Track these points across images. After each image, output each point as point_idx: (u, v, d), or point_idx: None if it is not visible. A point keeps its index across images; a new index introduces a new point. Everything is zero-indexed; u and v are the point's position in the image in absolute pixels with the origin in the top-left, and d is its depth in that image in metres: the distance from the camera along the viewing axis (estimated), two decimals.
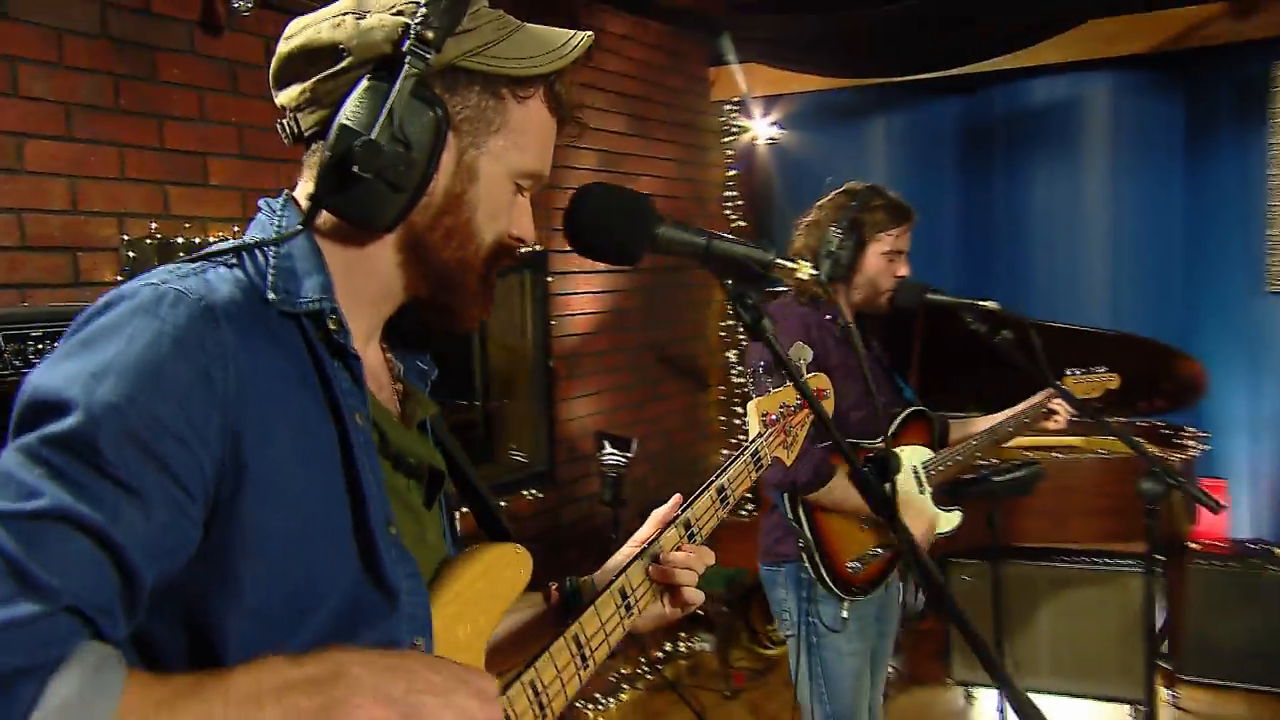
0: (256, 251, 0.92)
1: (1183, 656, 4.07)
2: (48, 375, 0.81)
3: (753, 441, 1.49)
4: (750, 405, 1.55)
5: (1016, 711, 0.89)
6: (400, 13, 0.92)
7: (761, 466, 1.49)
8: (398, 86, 0.89)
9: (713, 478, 1.38)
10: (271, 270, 0.90)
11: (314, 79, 0.94)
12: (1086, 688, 3.93)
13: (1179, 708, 3.97)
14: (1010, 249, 4.87)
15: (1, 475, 0.77)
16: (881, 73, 4.62)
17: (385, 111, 0.89)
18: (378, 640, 0.92)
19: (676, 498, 1.35)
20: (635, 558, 1.23)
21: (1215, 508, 2.42)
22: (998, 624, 3.15)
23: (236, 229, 2.93)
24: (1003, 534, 3.24)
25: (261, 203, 1.00)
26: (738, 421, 5.01)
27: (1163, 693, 3.93)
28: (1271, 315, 4.43)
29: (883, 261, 2.50)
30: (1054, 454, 3.82)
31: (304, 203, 0.96)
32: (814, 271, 1.06)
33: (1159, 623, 3.89)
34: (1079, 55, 4.46)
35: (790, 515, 2.45)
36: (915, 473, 2.59)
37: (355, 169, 0.88)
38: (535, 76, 0.98)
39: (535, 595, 1.29)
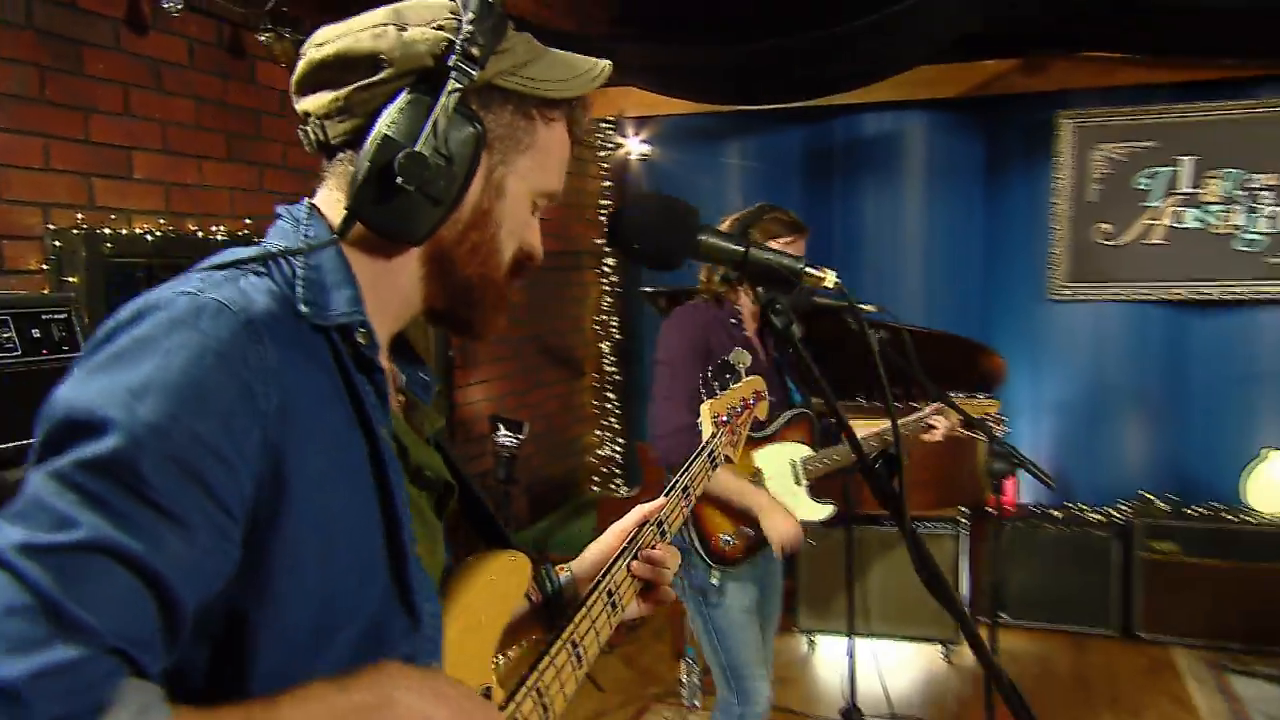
0: (283, 260, 0.83)
1: (981, 601, 4.36)
2: (79, 391, 0.70)
3: (708, 443, 1.47)
4: (703, 408, 1.53)
5: (976, 651, 0.94)
6: (441, 27, 0.85)
7: (716, 465, 1.47)
8: (442, 100, 0.82)
9: (677, 478, 1.35)
10: (300, 281, 0.82)
11: (349, 87, 0.85)
12: (907, 630, 4.17)
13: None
14: (845, 259, 4.99)
15: (32, 502, 0.66)
16: (740, 101, 4.71)
17: (430, 125, 0.82)
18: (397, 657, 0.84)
19: (661, 501, 1.28)
20: (617, 557, 1.17)
21: (1051, 484, 2.59)
22: (850, 580, 3.37)
23: (161, 221, 2.82)
24: (855, 503, 3.45)
25: (281, 210, 0.91)
26: (609, 406, 5.11)
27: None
28: (1051, 318, 4.75)
29: None
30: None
31: (330, 212, 0.88)
32: (838, 280, 1.02)
33: (968, 574, 4.25)
34: (903, 96, 4.64)
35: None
36: (793, 467, 2.62)
37: (399, 181, 0.81)
38: (563, 100, 0.93)
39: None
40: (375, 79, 0.84)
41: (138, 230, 2.73)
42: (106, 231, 2.65)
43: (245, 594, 0.74)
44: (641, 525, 1.23)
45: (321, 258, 0.84)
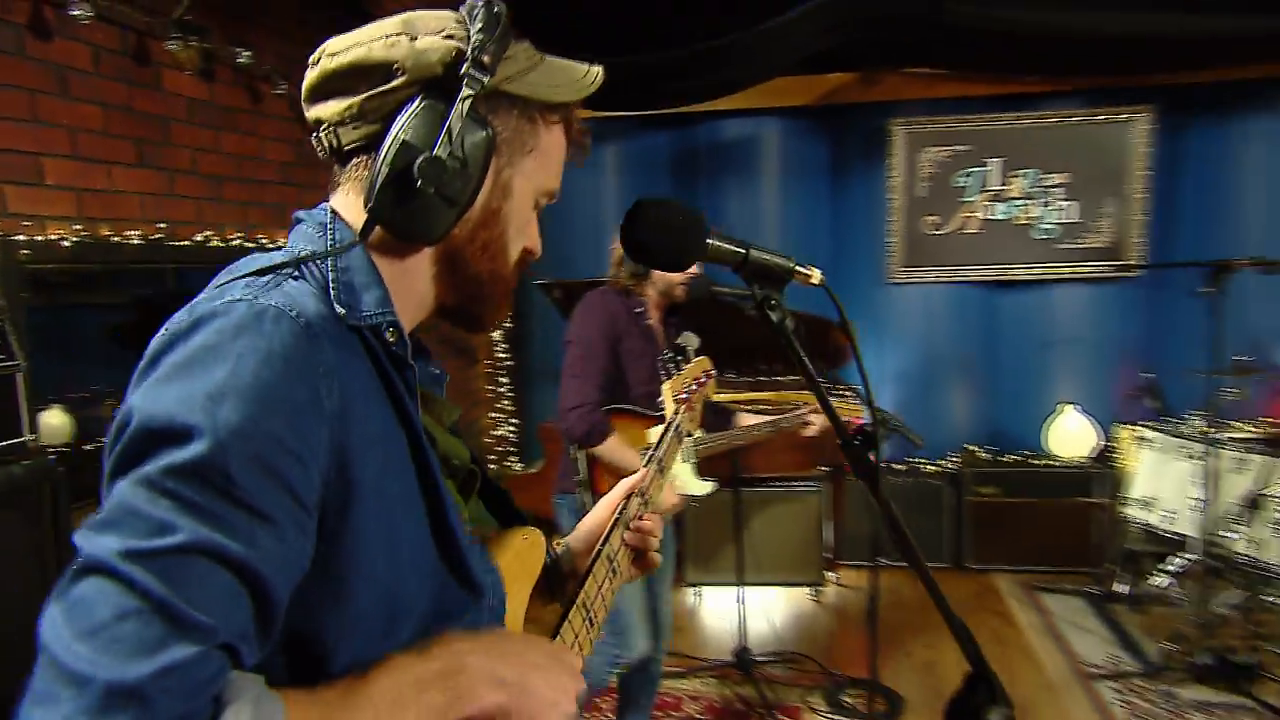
0: (314, 264, 0.81)
1: (840, 547, 4.68)
2: (155, 400, 0.67)
3: (674, 419, 1.51)
4: (665, 387, 1.59)
5: (931, 593, 0.98)
6: (451, 37, 0.83)
7: (681, 439, 1.50)
8: (457, 106, 0.81)
9: (652, 452, 1.38)
10: (334, 284, 0.80)
11: (363, 95, 0.83)
12: (781, 576, 4.40)
13: (839, 584, 4.60)
14: None
15: (125, 510, 0.64)
16: (615, 108, 4.78)
17: (445, 130, 0.80)
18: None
19: (642, 473, 1.31)
20: (612, 528, 1.17)
21: (920, 443, 2.80)
22: (737, 534, 3.55)
23: (77, 227, 2.65)
24: (740, 469, 3.62)
25: (302, 215, 0.89)
26: (502, 389, 5.10)
27: (829, 575, 4.57)
28: (890, 299, 5.05)
29: None
30: (768, 406, 4.11)
31: (349, 215, 0.86)
32: (822, 276, 1.03)
33: (828, 525, 4.54)
34: (760, 104, 4.81)
35: (573, 458, 2.57)
36: (684, 449, 2.66)
37: (419, 184, 0.80)
38: (563, 104, 0.91)
39: None
40: (389, 86, 0.83)
41: (52, 236, 2.57)
42: (20, 238, 2.48)
43: (320, 591, 0.73)
44: (628, 498, 1.24)
45: (350, 260, 0.83)
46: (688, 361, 1.68)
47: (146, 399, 0.68)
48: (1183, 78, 4.59)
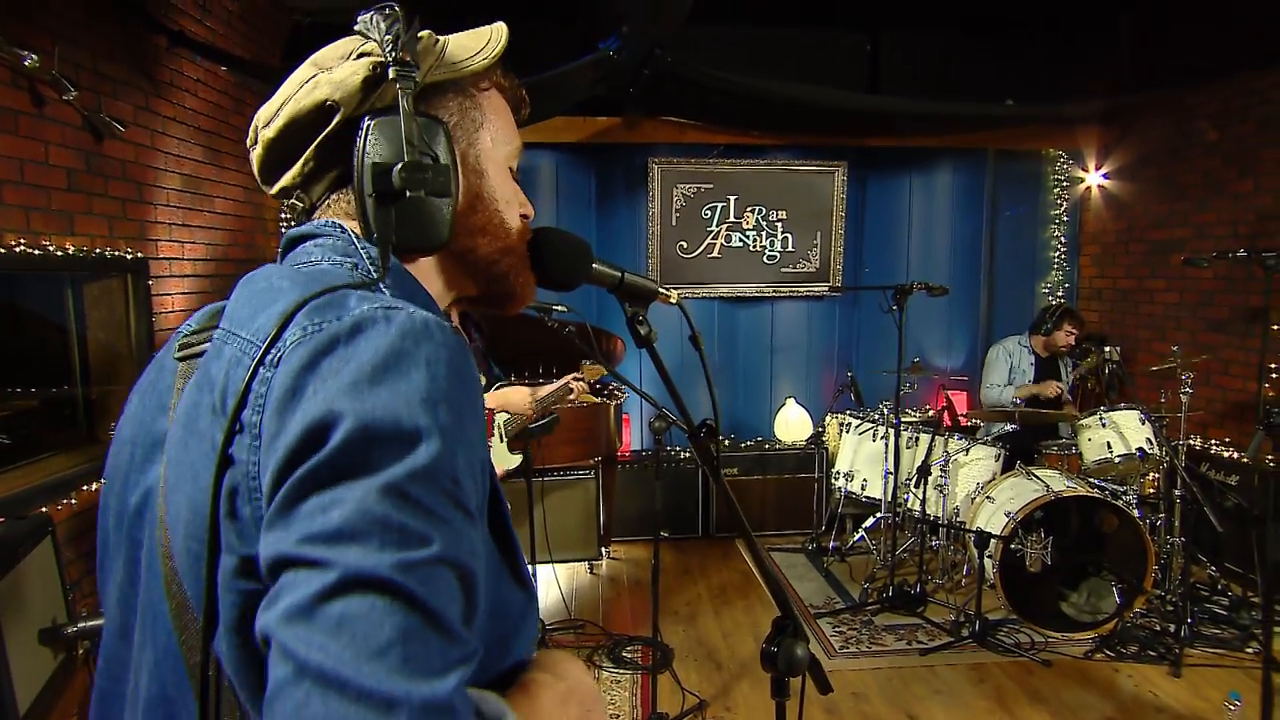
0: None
1: (612, 526, 4.87)
2: (367, 404, 0.58)
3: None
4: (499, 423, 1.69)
5: (757, 565, 1.19)
6: (364, 54, 0.77)
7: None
8: (404, 108, 0.74)
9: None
10: (395, 298, 0.71)
11: (312, 146, 0.77)
12: (565, 555, 4.56)
13: (613, 558, 4.81)
14: None
15: (373, 519, 0.55)
16: None
17: (404, 135, 0.74)
18: (531, 636, 0.77)
19: None
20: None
21: (690, 431, 3.04)
22: (531, 519, 3.64)
23: None
24: (534, 460, 3.71)
25: (306, 231, 0.79)
26: None
27: (603, 550, 4.79)
28: (649, 312, 5.49)
29: None
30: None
31: (354, 233, 0.78)
32: (678, 297, 1.08)
33: (602, 507, 4.77)
34: (538, 139, 4.96)
35: None
36: (498, 427, 2.82)
37: (408, 194, 0.74)
38: (486, 68, 0.84)
39: None
40: (331, 126, 0.76)
41: None
42: None
43: None
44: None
45: (399, 276, 0.77)
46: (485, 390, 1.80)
47: (353, 402, 0.58)
48: (867, 141, 5.34)
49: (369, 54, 0.77)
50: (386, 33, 0.75)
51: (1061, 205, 5.66)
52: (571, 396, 3.16)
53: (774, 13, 5.02)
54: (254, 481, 0.61)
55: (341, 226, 0.79)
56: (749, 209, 5.38)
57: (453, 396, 0.61)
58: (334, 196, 0.80)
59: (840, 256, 5.46)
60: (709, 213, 5.36)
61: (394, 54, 0.74)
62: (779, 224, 5.42)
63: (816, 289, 5.45)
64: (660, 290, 1.06)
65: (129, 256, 3.23)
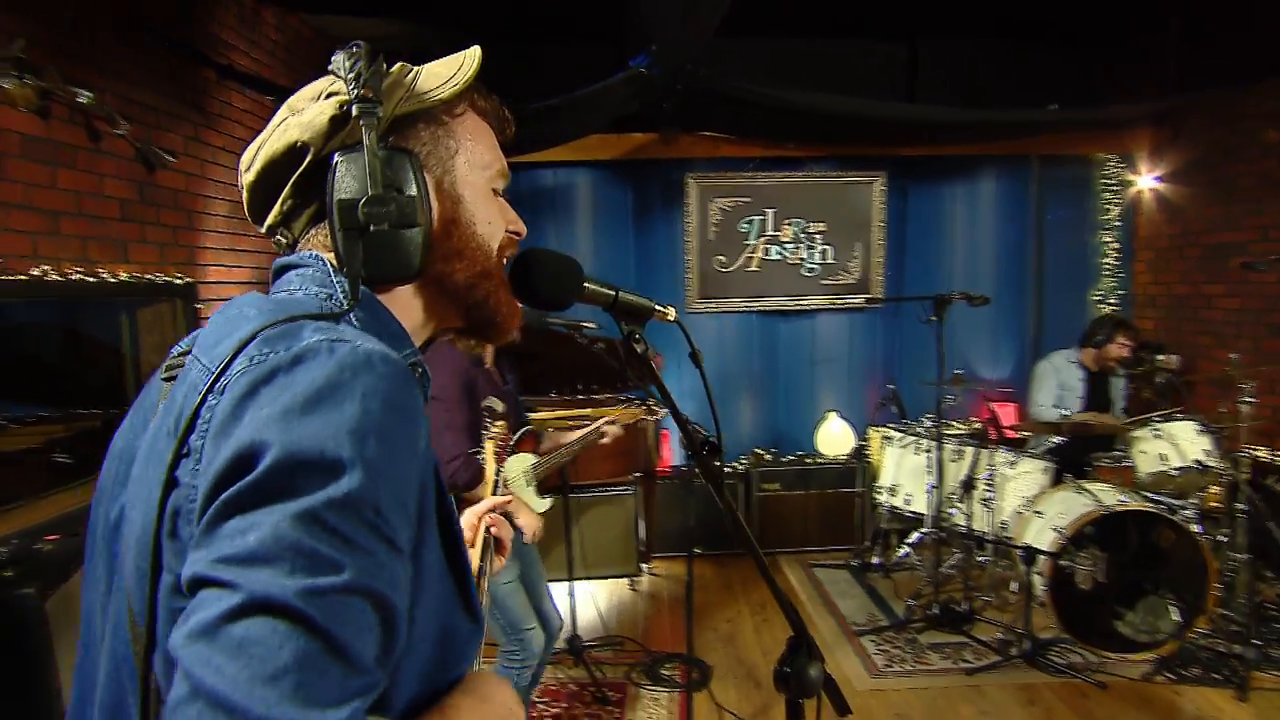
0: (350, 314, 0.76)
1: (653, 541, 4.89)
2: (294, 434, 0.59)
3: (498, 474, 1.66)
4: (487, 444, 1.67)
5: (765, 576, 1.03)
6: (332, 95, 0.80)
7: (505, 487, 1.65)
8: (367, 143, 0.76)
9: (489, 501, 1.46)
10: (364, 331, 0.73)
11: (288, 185, 0.80)
12: (604, 571, 4.54)
13: (652, 574, 4.79)
14: None
15: (284, 545, 0.56)
16: None
17: (368, 169, 0.76)
18: (470, 665, 0.77)
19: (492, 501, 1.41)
20: (486, 547, 1.22)
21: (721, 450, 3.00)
22: (567, 535, 3.65)
23: None
24: (568, 478, 3.72)
25: (290, 260, 0.81)
26: None
27: (643, 566, 4.77)
28: (688, 326, 5.43)
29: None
30: (587, 419, 4.29)
31: (331, 265, 0.80)
32: (676, 313, 1.06)
33: (642, 523, 4.75)
34: (575, 157, 4.99)
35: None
36: (525, 473, 2.77)
37: (373, 228, 0.76)
38: (457, 94, 0.84)
39: None
40: (304, 166, 0.79)
41: None
42: None
43: None
44: (486, 539, 1.32)
45: (373, 308, 0.78)
46: (495, 421, 1.80)
47: (282, 431, 0.59)
48: (906, 151, 5.26)
49: (336, 93, 0.79)
50: (349, 71, 0.77)
51: (1112, 210, 5.48)
52: (604, 440, 3.08)
53: (808, 25, 5.00)
54: (193, 504, 0.62)
55: (321, 258, 0.80)
56: (787, 221, 5.33)
57: (385, 429, 0.62)
58: (313, 230, 0.83)
59: (881, 267, 5.37)
60: (746, 226, 5.33)
61: (356, 91, 0.76)
62: (818, 236, 5.36)
63: (857, 300, 5.37)
64: (657, 308, 1.04)
65: (179, 282, 3.34)
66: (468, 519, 1.36)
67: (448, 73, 0.84)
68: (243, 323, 0.70)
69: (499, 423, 1.83)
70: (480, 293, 0.86)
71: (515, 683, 2.68)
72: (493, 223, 0.87)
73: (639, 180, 5.38)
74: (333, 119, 0.78)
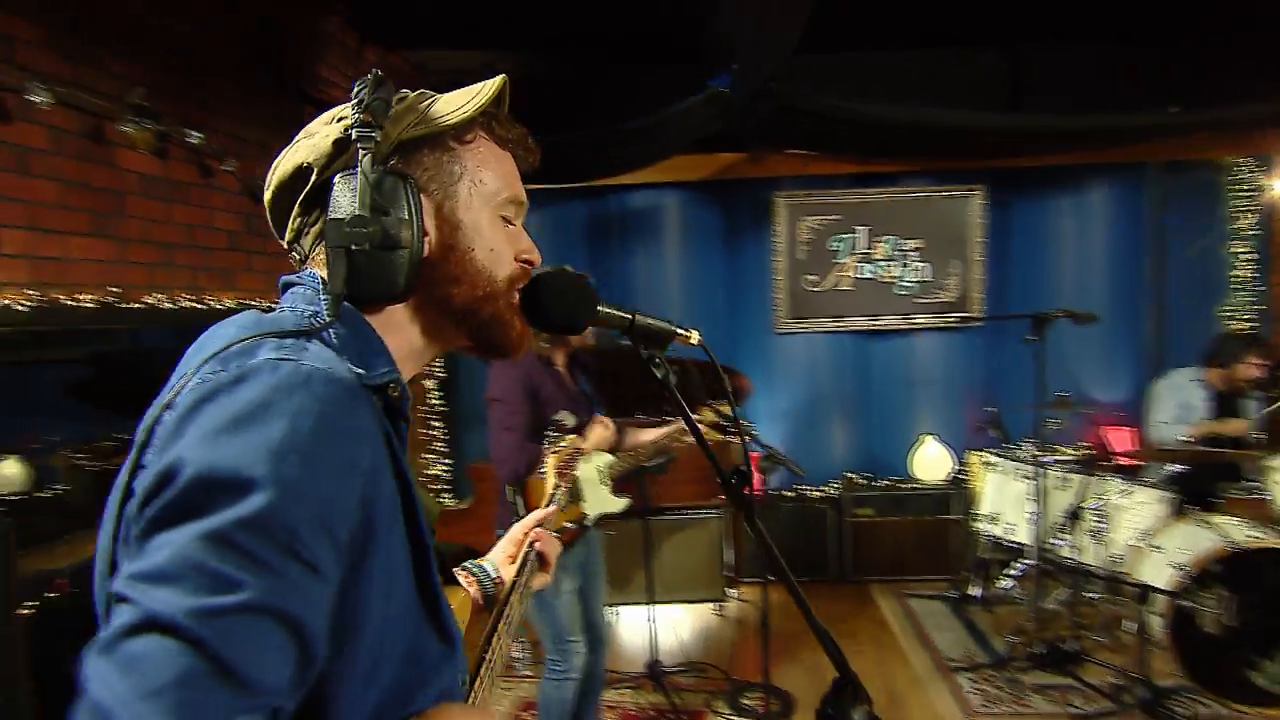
0: (327, 330, 0.78)
1: (741, 566, 4.79)
2: (214, 453, 0.61)
3: (554, 493, 1.63)
4: (549, 460, 1.66)
5: (800, 607, 0.97)
6: (341, 119, 0.82)
7: (561, 507, 1.60)
8: (361, 166, 0.77)
9: (537, 516, 1.44)
10: (341, 349, 0.76)
11: (298, 203, 0.83)
12: (689, 595, 4.46)
13: (740, 600, 4.67)
14: (620, 303, 5.31)
15: (188, 564, 0.57)
16: (534, 182, 4.90)
17: (358, 189, 0.77)
18: (444, 686, 0.79)
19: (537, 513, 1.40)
20: (509, 594, 1.19)
21: (801, 472, 2.92)
22: (647, 559, 3.62)
23: (31, 292, 2.59)
24: (648, 498, 3.70)
25: (292, 279, 0.85)
26: (436, 431, 5.08)
27: (730, 591, 4.64)
28: (778, 347, 5.26)
29: None
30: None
31: (324, 284, 0.81)
32: (700, 337, 1.02)
33: (729, 547, 4.65)
34: (662, 178, 5.00)
35: (510, 497, 2.59)
36: (600, 471, 2.77)
37: (354, 247, 0.76)
38: (467, 120, 0.85)
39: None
40: (310, 186, 0.82)
41: (7, 302, 2.51)
42: None
43: (330, 635, 0.66)
44: (526, 553, 1.31)
45: (355, 325, 0.79)
46: (563, 436, 1.78)
47: (203, 450, 0.61)
48: (1008, 162, 5.01)
49: (345, 118, 0.81)
50: (359, 98, 0.79)
51: (1245, 218, 5.04)
52: (686, 439, 3.07)
53: (894, 37, 4.85)
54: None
55: (316, 276, 0.83)
56: (880, 239, 5.18)
57: (311, 449, 0.63)
58: (318, 249, 0.85)
59: (980, 284, 5.13)
60: (837, 245, 5.20)
61: (356, 116, 0.78)
62: (914, 253, 5.18)
63: (955, 319, 5.14)
64: (679, 331, 1.01)
65: None
66: (513, 533, 1.37)
67: (462, 100, 0.86)
68: (216, 340, 0.72)
69: (568, 438, 1.82)
70: (482, 316, 0.86)
71: (556, 694, 2.65)
72: (496, 250, 0.86)
73: (728, 200, 5.33)
74: (336, 142, 0.81)
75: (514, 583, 1.23)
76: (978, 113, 4.55)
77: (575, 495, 2.69)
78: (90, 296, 2.78)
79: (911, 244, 5.16)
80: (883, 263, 5.18)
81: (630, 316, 0.98)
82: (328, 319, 0.77)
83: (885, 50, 4.95)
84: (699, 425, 3.02)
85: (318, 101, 3.78)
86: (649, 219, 5.29)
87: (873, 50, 4.94)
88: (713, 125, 4.13)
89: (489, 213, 0.86)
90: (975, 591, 4.41)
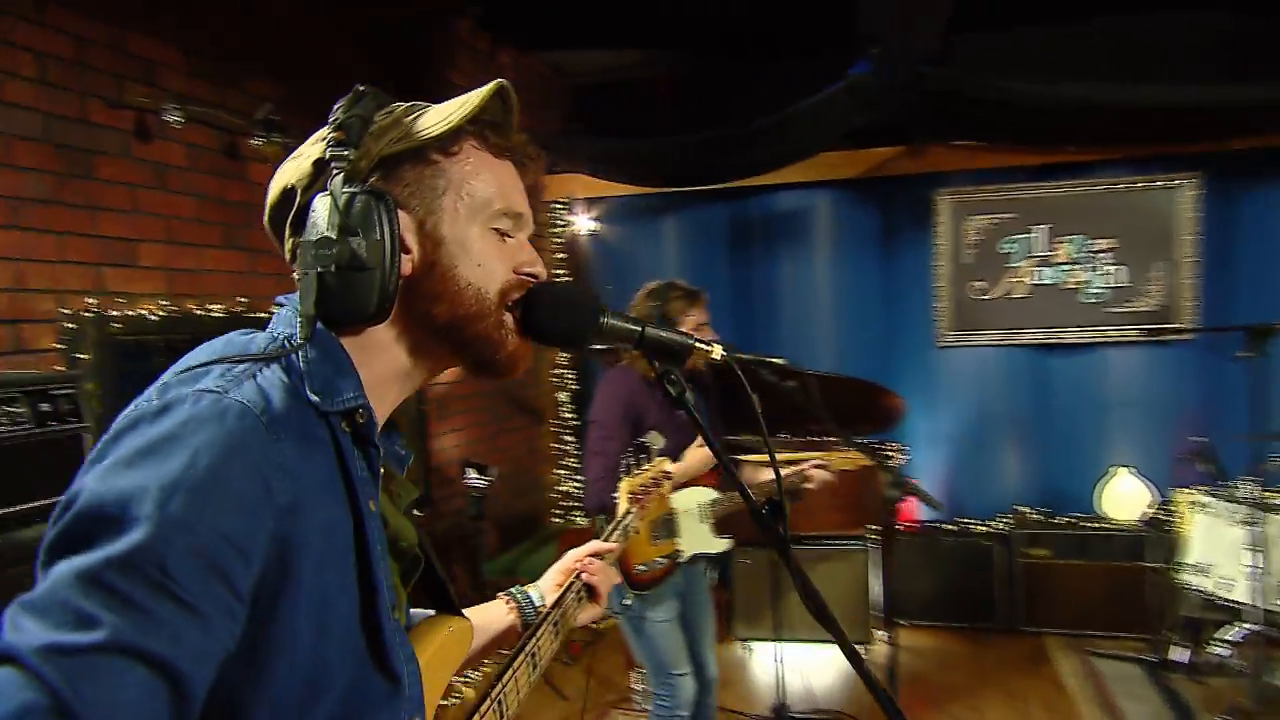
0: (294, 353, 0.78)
1: (891, 606, 4.34)
2: (108, 485, 0.63)
3: (622, 518, 1.51)
4: (621, 485, 1.54)
5: (844, 649, 0.90)
6: (324, 140, 0.81)
7: (628, 536, 1.49)
8: (331, 186, 0.77)
9: (598, 543, 1.40)
10: (308, 374, 0.76)
11: (287, 224, 0.84)
12: (828, 636, 4.18)
13: (890, 643, 4.28)
14: (765, 315, 5.01)
15: (55, 599, 0.60)
16: (673, 184, 4.76)
17: (328, 211, 0.76)
18: None
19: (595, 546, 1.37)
20: (539, 626, 1.18)
21: (938, 507, 2.64)
22: (774, 593, 3.37)
23: (164, 303, 2.76)
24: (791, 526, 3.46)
25: (283, 299, 0.86)
26: (567, 447, 5.07)
27: (878, 633, 4.25)
28: (940, 362, 4.82)
29: None
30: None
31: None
32: (725, 352, 0.98)
33: (877, 583, 4.28)
34: (811, 177, 4.71)
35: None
36: (700, 507, 2.61)
37: (320, 269, 0.76)
38: (451, 130, 0.83)
39: (497, 605, 1.26)
40: (295, 207, 0.82)
41: (142, 311, 2.68)
42: (114, 314, 2.59)
43: (243, 670, 0.69)
44: (563, 596, 1.26)
45: (325, 349, 0.78)
46: (649, 461, 1.63)
47: (100, 481, 0.64)
48: (1231, 144, 4.28)
49: (328, 139, 0.81)
50: (337, 116, 0.80)
51: None
52: (810, 486, 2.80)
53: (1070, 5, 4.26)
54: None
55: (295, 298, 0.83)
56: (1062, 239, 4.59)
57: (204, 486, 0.64)
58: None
59: (1192, 290, 4.41)
60: (1010, 246, 4.68)
61: (333, 137, 0.79)
62: (1106, 255, 4.55)
63: (1157, 332, 4.46)
64: (697, 345, 0.95)
65: None
66: (565, 561, 1.34)
67: (448, 110, 0.84)
68: (183, 360, 0.75)
69: (652, 463, 1.66)
70: (466, 335, 0.84)
71: None
72: (484, 265, 0.84)
73: (884, 199, 4.94)
74: (315, 162, 0.82)
75: (547, 614, 1.20)
76: (1191, 86, 3.89)
77: (670, 529, 2.53)
78: (220, 306, 2.94)
79: (1103, 244, 4.54)
80: (1066, 266, 4.60)
81: (639, 329, 0.94)
82: (299, 341, 0.76)
83: (1066, 21, 4.37)
84: (823, 460, 2.77)
85: None
86: (796, 221, 5.02)
87: (1051, 23, 4.38)
88: (858, 117, 3.83)
89: (478, 226, 0.85)
90: (1180, 656, 3.77)
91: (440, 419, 4.04)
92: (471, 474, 3.72)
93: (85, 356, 2.49)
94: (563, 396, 5.04)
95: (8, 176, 2.36)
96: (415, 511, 1.00)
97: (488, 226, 0.85)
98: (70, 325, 2.49)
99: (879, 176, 4.80)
